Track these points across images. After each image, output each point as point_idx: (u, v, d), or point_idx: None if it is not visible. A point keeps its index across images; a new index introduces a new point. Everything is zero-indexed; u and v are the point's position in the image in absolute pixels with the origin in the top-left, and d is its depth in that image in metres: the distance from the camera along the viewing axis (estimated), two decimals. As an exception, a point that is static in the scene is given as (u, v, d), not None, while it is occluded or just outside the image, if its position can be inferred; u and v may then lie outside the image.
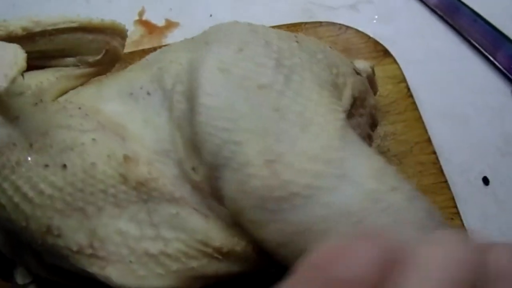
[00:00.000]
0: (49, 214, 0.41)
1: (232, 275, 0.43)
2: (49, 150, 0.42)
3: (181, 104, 0.42)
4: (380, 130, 0.61)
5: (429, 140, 0.61)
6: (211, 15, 0.77)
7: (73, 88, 0.51)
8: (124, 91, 0.46)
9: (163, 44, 0.73)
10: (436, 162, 0.60)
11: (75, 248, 0.41)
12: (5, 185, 0.42)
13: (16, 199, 0.42)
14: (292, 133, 0.38)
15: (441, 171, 0.59)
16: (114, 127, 0.44)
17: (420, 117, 0.62)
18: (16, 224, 0.43)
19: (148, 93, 0.45)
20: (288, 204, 0.36)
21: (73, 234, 0.41)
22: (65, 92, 0.51)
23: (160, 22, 0.76)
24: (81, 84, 0.52)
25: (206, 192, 0.42)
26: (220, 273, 0.42)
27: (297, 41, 0.47)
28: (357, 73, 0.50)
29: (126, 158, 0.42)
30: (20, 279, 0.58)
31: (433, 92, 0.69)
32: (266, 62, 0.42)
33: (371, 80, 0.55)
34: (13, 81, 0.38)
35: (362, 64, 0.54)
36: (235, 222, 0.41)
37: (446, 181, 0.59)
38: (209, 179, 0.41)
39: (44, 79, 0.48)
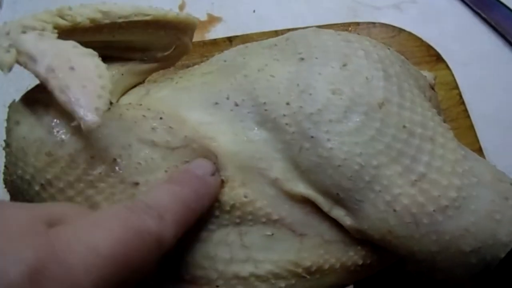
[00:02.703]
0: None
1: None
2: (138, 167, 0.36)
3: (291, 128, 0.38)
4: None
5: (480, 149, 0.58)
6: (254, 11, 0.70)
7: (135, 84, 0.45)
8: (208, 100, 0.40)
9: (206, 38, 0.67)
10: (490, 171, 0.56)
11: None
12: (79, 198, 0.35)
13: None
14: (425, 149, 0.38)
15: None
16: (203, 141, 0.38)
17: (472, 125, 0.59)
18: None
19: (236, 104, 0.39)
20: (442, 216, 0.37)
21: None
22: (128, 88, 0.44)
23: (202, 17, 0.70)
24: (144, 79, 0.46)
25: (309, 210, 0.39)
26: None
27: (388, 48, 0.43)
28: (431, 87, 0.47)
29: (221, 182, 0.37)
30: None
31: (476, 95, 0.66)
32: (375, 74, 0.39)
33: (432, 88, 0.52)
34: (105, 112, 0.32)
35: (427, 75, 0.51)
36: (334, 240, 0.39)
37: None
38: (337, 199, 0.38)
39: (110, 75, 0.42)
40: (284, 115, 0.38)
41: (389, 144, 0.37)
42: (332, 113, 0.37)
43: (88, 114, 0.31)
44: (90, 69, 0.34)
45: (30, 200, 0.37)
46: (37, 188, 0.36)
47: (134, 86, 0.45)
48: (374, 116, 0.37)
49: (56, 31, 0.37)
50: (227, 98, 0.40)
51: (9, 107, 0.38)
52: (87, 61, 0.34)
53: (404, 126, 0.38)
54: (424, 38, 0.66)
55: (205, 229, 0.37)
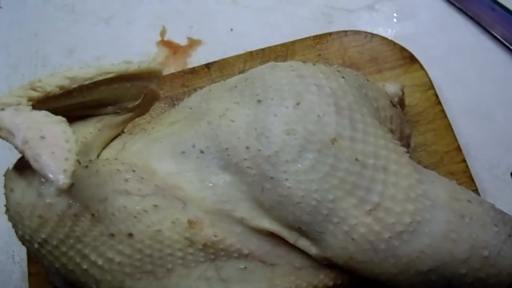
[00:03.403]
0: (120, 278, 0.39)
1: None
2: (112, 218, 0.39)
3: (252, 170, 0.40)
4: (411, 141, 0.57)
5: (458, 148, 0.58)
6: (231, 29, 0.71)
7: (115, 135, 0.48)
8: (175, 149, 0.43)
9: (189, 64, 0.69)
10: (466, 170, 0.57)
11: None
12: (71, 253, 0.39)
13: (85, 266, 0.39)
14: (378, 179, 0.40)
15: (471, 179, 0.56)
16: (172, 190, 0.41)
17: (450, 125, 0.59)
18: (86, 286, 0.41)
19: (201, 151, 0.42)
20: (398, 241, 0.39)
21: None
22: (108, 141, 0.47)
23: (182, 41, 0.71)
24: (123, 130, 0.49)
25: (277, 242, 0.41)
26: None
27: (343, 77, 0.44)
28: (393, 105, 0.47)
29: (190, 223, 0.40)
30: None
31: (455, 88, 0.65)
32: (326, 110, 0.40)
33: (401, 100, 0.53)
34: (74, 174, 0.35)
35: (393, 87, 0.51)
36: (305, 266, 0.42)
37: (476, 189, 0.56)
38: (300, 232, 0.41)
39: (88, 133, 0.45)
40: (245, 159, 0.40)
41: (343, 178, 0.39)
42: (288, 154, 0.39)
43: (58, 177, 0.34)
44: (58, 135, 0.37)
45: (35, 255, 0.42)
46: (36, 246, 0.40)
47: (115, 138, 0.48)
48: (327, 152, 0.39)
49: (30, 103, 0.41)
50: (193, 146, 0.42)
51: (4, 175, 0.42)
52: (55, 128, 0.37)
53: (356, 159, 0.39)
54: (400, 37, 0.66)
55: (186, 266, 0.40)
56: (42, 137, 0.36)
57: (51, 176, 0.34)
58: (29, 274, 0.57)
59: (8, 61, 0.74)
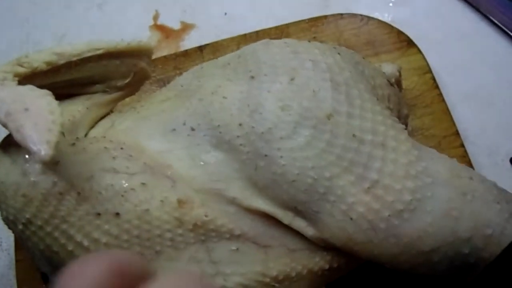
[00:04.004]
0: None
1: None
2: (98, 197, 0.37)
3: (245, 148, 0.38)
4: (408, 125, 0.56)
5: (457, 133, 0.56)
6: (226, 13, 0.70)
7: (104, 115, 0.47)
8: (166, 127, 0.41)
9: (182, 48, 0.67)
10: (465, 155, 0.55)
11: None
12: (56, 233, 0.37)
13: (70, 247, 0.38)
14: (376, 156, 0.38)
15: (470, 164, 0.55)
16: (161, 168, 0.39)
17: (447, 109, 0.57)
18: None
19: (192, 129, 0.40)
20: (398, 220, 0.37)
21: None
22: (97, 120, 0.46)
23: (176, 25, 0.69)
24: (112, 109, 0.48)
25: (271, 223, 0.40)
26: None
27: (338, 53, 0.42)
28: (391, 84, 0.46)
29: (180, 202, 0.38)
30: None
31: (454, 73, 0.63)
32: (322, 85, 0.39)
33: (398, 82, 0.52)
34: (57, 145, 0.33)
35: (390, 68, 0.50)
36: (300, 248, 0.40)
37: None
38: (296, 212, 0.39)
39: (76, 111, 0.43)
40: (238, 136, 0.39)
41: (340, 155, 0.38)
42: (282, 130, 0.38)
43: (40, 148, 0.33)
44: (43, 107, 0.35)
45: (19, 237, 0.40)
46: (20, 227, 0.38)
47: (103, 117, 0.46)
48: (323, 128, 0.38)
49: (16, 78, 0.39)
50: (184, 124, 0.41)
51: None
52: (40, 101, 0.36)
53: (354, 135, 0.38)
54: (397, 21, 0.64)
55: (175, 248, 0.38)
56: (26, 109, 0.35)
57: (33, 147, 0.33)
58: (17, 261, 0.56)
59: (-1, 45, 0.73)
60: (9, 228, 0.42)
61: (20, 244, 0.56)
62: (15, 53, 0.41)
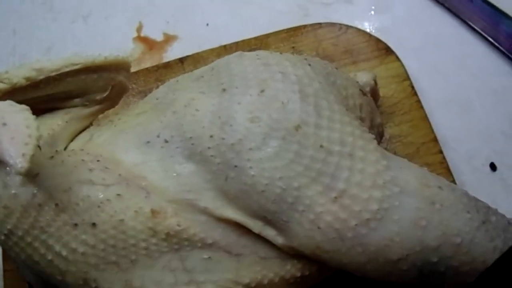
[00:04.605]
0: (84, 269, 0.39)
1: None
2: (76, 208, 0.39)
3: (216, 159, 0.40)
4: (386, 132, 0.57)
5: (435, 140, 0.58)
6: (207, 24, 0.71)
7: (83, 128, 0.48)
8: (140, 139, 0.43)
9: (165, 59, 0.69)
10: (443, 161, 0.56)
11: None
12: (36, 244, 0.39)
13: (49, 256, 0.39)
14: (344, 166, 0.39)
15: (449, 170, 0.56)
16: (135, 180, 0.41)
17: (426, 116, 0.59)
18: (51, 277, 0.41)
19: (166, 141, 0.42)
20: (365, 229, 0.38)
21: (109, 285, 0.39)
22: (76, 133, 0.47)
23: (159, 37, 0.71)
24: (91, 122, 0.49)
25: (242, 232, 0.41)
26: None
27: (309, 64, 0.44)
28: (364, 93, 0.47)
29: (153, 212, 0.39)
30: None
31: (434, 80, 0.65)
32: (291, 96, 0.40)
33: (373, 90, 0.53)
34: (32, 158, 0.35)
35: (365, 76, 0.51)
36: (270, 256, 0.41)
37: (453, 180, 0.55)
38: (266, 221, 0.40)
39: (55, 125, 0.45)
40: (209, 148, 0.40)
41: (308, 165, 0.39)
42: (252, 141, 0.39)
43: (16, 161, 0.35)
44: (20, 122, 0.37)
45: (2, 247, 0.42)
46: (2, 237, 0.40)
47: (83, 130, 0.48)
48: (292, 139, 0.39)
49: (-5, 94, 0.41)
50: (158, 136, 0.42)
51: None
52: (17, 116, 0.38)
53: (321, 146, 0.39)
54: (376, 29, 0.66)
55: (149, 257, 0.40)
56: (4, 124, 0.37)
57: (9, 160, 0.35)
58: (5, 271, 0.57)
59: (-15, 57, 0.75)
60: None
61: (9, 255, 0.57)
62: (1, 65, 0.42)
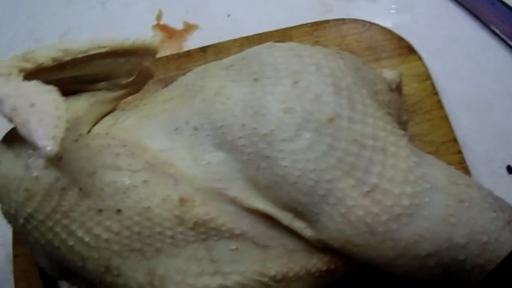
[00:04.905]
0: (107, 256, 0.38)
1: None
2: (100, 193, 0.38)
3: (247, 148, 0.39)
4: (407, 131, 0.57)
5: (455, 140, 0.57)
6: (228, 15, 0.71)
7: (107, 112, 0.47)
8: (168, 126, 0.42)
9: (184, 48, 0.68)
10: (462, 161, 0.56)
11: (135, 286, 0.39)
12: (57, 228, 0.38)
13: (71, 242, 0.38)
14: (376, 160, 0.39)
15: (467, 170, 0.56)
16: (163, 166, 0.40)
17: (446, 116, 0.58)
18: (71, 263, 0.40)
19: (195, 129, 0.41)
20: (396, 224, 0.38)
21: (132, 273, 0.39)
22: (100, 117, 0.46)
23: (179, 25, 0.70)
24: (115, 107, 0.49)
25: (270, 223, 0.40)
26: None
27: (341, 58, 0.43)
28: (392, 90, 0.47)
29: (181, 200, 0.39)
30: (65, 290, 0.56)
31: (453, 80, 0.64)
32: (325, 89, 0.40)
33: (398, 87, 0.53)
34: (62, 140, 0.34)
35: (391, 74, 0.51)
36: (298, 249, 0.41)
37: None
38: (296, 213, 0.40)
39: (79, 108, 0.44)
40: (240, 137, 0.39)
41: (341, 158, 0.38)
42: (285, 132, 0.38)
43: (45, 143, 0.33)
44: (48, 103, 0.36)
45: (20, 231, 0.41)
46: (22, 221, 0.39)
47: (107, 114, 0.47)
48: (325, 131, 0.39)
49: (22, 74, 0.40)
50: (187, 123, 0.42)
51: None
52: (45, 96, 0.37)
53: (355, 140, 0.39)
54: (397, 27, 0.65)
55: (175, 245, 0.39)
56: (32, 105, 0.35)
57: (39, 142, 0.33)
58: (14, 256, 0.56)
59: (1, 42, 0.73)
60: (9, 222, 0.42)
61: (18, 239, 0.56)
62: (17, 50, 0.41)
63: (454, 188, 0.40)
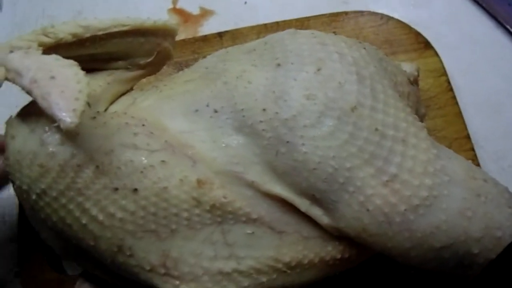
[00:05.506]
0: (120, 235, 0.38)
1: (295, 286, 0.41)
2: (117, 172, 0.37)
3: (267, 133, 0.39)
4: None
5: (468, 137, 0.57)
6: (245, 2, 0.70)
7: (124, 92, 0.47)
8: (188, 107, 0.41)
9: (199, 33, 0.67)
10: (474, 158, 0.56)
11: (147, 267, 0.38)
12: (71, 206, 0.37)
13: (84, 220, 0.38)
14: (397, 151, 0.38)
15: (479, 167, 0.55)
16: (182, 148, 0.39)
17: (460, 112, 0.58)
18: (82, 242, 0.39)
19: (215, 111, 0.40)
20: (413, 215, 0.38)
21: (145, 254, 0.38)
22: (117, 96, 0.45)
23: (195, 10, 0.69)
24: (132, 87, 0.48)
25: (287, 209, 0.40)
26: (286, 285, 0.41)
27: (364, 48, 0.43)
28: (411, 83, 0.47)
29: (199, 182, 0.38)
30: (70, 270, 0.55)
31: (467, 78, 0.64)
32: (348, 78, 0.39)
33: (415, 80, 0.52)
34: (82, 113, 0.33)
35: (409, 67, 0.50)
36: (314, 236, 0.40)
37: None
38: (313, 200, 0.40)
39: (97, 85, 0.43)
40: (261, 121, 0.39)
41: (362, 147, 0.38)
42: (306, 119, 0.38)
43: (66, 115, 0.33)
44: (69, 76, 0.35)
45: (31, 207, 0.40)
46: (34, 197, 0.38)
47: (123, 94, 0.46)
48: (347, 120, 0.38)
49: (41, 48, 0.39)
50: (207, 106, 0.41)
51: (6, 122, 0.40)
52: (66, 70, 0.36)
53: (376, 129, 0.38)
54: (414, 22, 0.64)
55: (191, 228, 0.38)
56: (52, 77, 0.35)
57: (59, 114, 0.33)
58: (19, 234, 0.56)
59: (14, 19, 0.72)
60: (20, 198, 0.41)
61: (26, 217, 0.56)
62: (30, 27, 0.40)
63: (472, 182, 0.40)
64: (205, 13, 0.69)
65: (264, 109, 0.39)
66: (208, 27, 0.67)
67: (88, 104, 0.36)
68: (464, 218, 0.38)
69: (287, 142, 0.38)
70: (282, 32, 0.44)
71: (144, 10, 0.70)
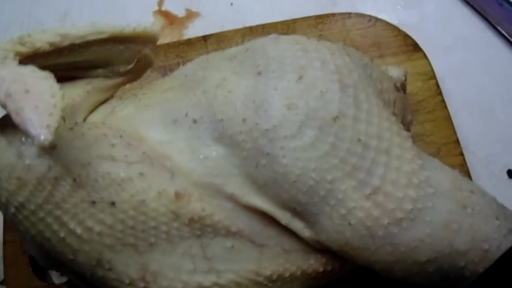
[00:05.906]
0: (99, 249, 0.37)
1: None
2: (94, 184, 0.36)
3: (247, 144, 0.38)
4: (410, 132, 0.56)
5: (457, 141, 0.56)
6: (232, 4, 0.69)
7: (104, 100, 0.46)
8: (167, 117, 0.40)
9: (185, 36, 0.66)
10: (464, 163, 0.55)
11: (127, 281, 0.38)
12: (49, 219, 0.36)
13: (62, 234, 0.37)
14: (380, 162, 0.37)
15: (468, 173, 0.55)
16: (160, 159, 0.38)
17: (449, 116, 0.57)
18: (61, 255, 0.38)
19: (194, 121, 0.39)
20: (397, 228, 0.37)
21: (124, 268, 0.37)
22: (96, 104, 0.45)
23: (180, 13, 0.68)
24: (112, 95, 0.47)
25: (268, 222, 0.39)
26: None
27: (348, 54, 0.41)
28: (397, 89, 0.46)
29: (177, 195, 0.37)
30: (55, 279, 0.55)
31: (458, 81, 0.63)
32: (330, 87, 0.38)
33: (403, 85, 0.51)
34: (57, 130, 0.32)
35: (396, 71, 0.49)
36: (294, 249, 0.40)
37: None
38: (294, 213, 0.39)
39: (75, 95, 0.42)
40: (241, 132, 0.38)
41: (344, 158, 0.37)
42: (287, 129, 0.37)
43: (39, 132, 0.32)
44: (44, 90, 0.34)
45: (10, 220, 0.39)
46: (12, 210, 0.37)
47: (103, 102, 0.45)
48: (329, 130, 0.37)
49: (17, 58, 0.38)
50: (186, 115, 0.40)
51: None
52: (41, 83, 0.35)
53: (359, 139, 0.37)
54: (403, 24, 0.63)
55: (169, 241, 0.38)
56: (27, 91, 0.34)
57: (32, 131, 0.32)
58: (4, 242, 0.55)
59: (0, 23, 0.71)
60: (0, 210, 0.40)
61: (9, 226, 0.55)
62: (16, 31, 0.39)
63: (458, 193, 0.39)
64: (191, 15, 0.68)
65: (244, 119, 0.38)
66: (194, 30, 0.66)
67: (64, 118, 0.35)
68: (449, 231, 0.37)
69: (267, 153, 0.37)
70: (264, 38, 0.43)
71: (130, 12, 0.70)
